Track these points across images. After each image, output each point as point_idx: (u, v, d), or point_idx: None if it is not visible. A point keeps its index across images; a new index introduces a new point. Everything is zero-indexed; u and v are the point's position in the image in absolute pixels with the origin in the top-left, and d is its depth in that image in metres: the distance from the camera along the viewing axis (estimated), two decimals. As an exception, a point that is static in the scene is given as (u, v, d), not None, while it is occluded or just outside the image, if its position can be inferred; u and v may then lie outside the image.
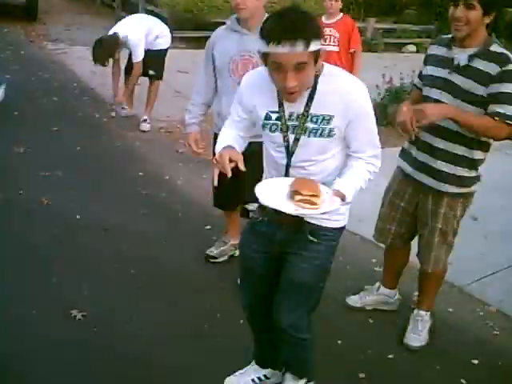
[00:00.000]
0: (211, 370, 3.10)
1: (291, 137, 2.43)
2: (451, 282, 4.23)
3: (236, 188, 3.40)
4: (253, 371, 3.06)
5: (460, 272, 4.34)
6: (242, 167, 2.32)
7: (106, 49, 6.55)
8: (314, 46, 2.18)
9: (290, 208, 2.23)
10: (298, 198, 2.22)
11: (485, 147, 3.20)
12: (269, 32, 2.18)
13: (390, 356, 3.42)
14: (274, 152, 2.51)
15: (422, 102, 3.20)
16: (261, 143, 2.64)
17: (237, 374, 3.05)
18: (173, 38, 7.14)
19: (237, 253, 4.26)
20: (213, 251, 4.24)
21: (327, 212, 2.26)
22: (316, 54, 2.22)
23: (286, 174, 2.48)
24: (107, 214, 4.69)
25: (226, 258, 4.26)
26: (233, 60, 3.62)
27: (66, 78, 8.63)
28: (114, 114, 7.14)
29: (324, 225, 2.53)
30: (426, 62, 3.32)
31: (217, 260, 4.22)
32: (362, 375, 3.22)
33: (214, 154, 2.49)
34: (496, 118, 2.95)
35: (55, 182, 5.17)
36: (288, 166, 2.48)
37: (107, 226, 4.51)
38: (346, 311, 3.81)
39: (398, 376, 3.28)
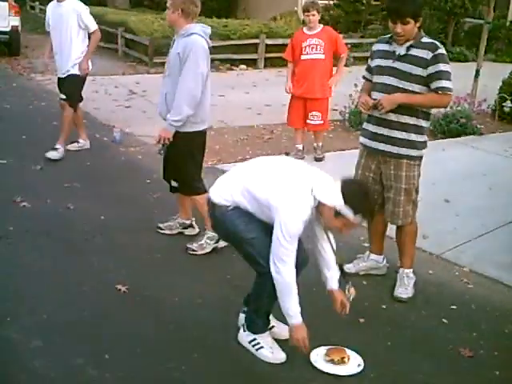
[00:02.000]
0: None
1: None
2: (430, 252, 4.95)
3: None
4: None
5: (437, 243, 5.07)
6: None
7: None
8: None
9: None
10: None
11: (427, 116, 4.03)
12: (365, 211, 3.15)
13: (384, 306, 4.09)
14: None
15: (371, 89, 4.08)
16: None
17: None
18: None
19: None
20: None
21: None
22: None
23: None
24: (125, 215, 5.30)
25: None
26: None
27: (62, 105, 9.18)
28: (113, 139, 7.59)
29: None
30: (372, 57, 4.16)
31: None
32: (362, 320, 3.89)
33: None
34: (439, 92, 3.84)
35: (75, 191, 5.77)
36: None
37: (127, 224, 5.12)
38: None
39: (390, 320, 3.95)
